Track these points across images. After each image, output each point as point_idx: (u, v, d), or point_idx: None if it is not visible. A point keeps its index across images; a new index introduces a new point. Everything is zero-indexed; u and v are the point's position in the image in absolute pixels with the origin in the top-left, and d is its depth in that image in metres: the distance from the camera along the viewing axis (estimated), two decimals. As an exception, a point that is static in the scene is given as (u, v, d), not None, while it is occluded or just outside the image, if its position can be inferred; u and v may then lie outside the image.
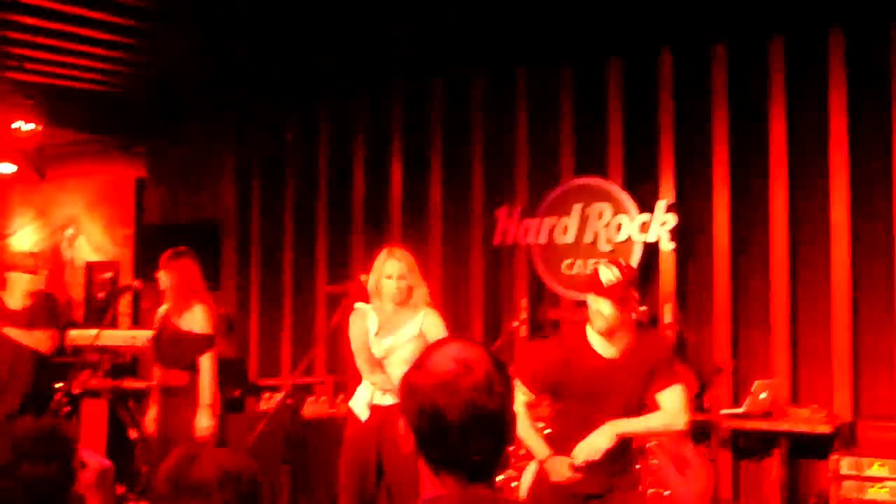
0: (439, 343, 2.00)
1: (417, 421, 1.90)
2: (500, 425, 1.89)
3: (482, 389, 1.86)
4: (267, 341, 10.29)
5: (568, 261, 8.52)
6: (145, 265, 10.98)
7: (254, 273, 10.52)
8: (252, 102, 10.35)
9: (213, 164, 10.80)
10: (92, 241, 13.05)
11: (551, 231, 8.60)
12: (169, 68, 9.21)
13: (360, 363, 5.30)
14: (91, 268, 13.21)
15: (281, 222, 10.36)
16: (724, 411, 7.25)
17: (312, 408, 7.09)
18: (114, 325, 9.33)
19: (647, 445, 5.14)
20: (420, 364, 1.94)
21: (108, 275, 13.10)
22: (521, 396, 4.13)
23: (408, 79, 9.51)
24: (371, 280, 5.26)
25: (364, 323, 5.26)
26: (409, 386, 1.92)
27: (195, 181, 10.87)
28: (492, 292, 9.04)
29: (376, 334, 5.25)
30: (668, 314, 7.98)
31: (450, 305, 9.21)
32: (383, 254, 5.34)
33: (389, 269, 5.24)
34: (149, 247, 11.14)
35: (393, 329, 5.27)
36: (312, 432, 6.88)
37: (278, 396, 7.03)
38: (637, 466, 4.57)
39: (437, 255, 9.34)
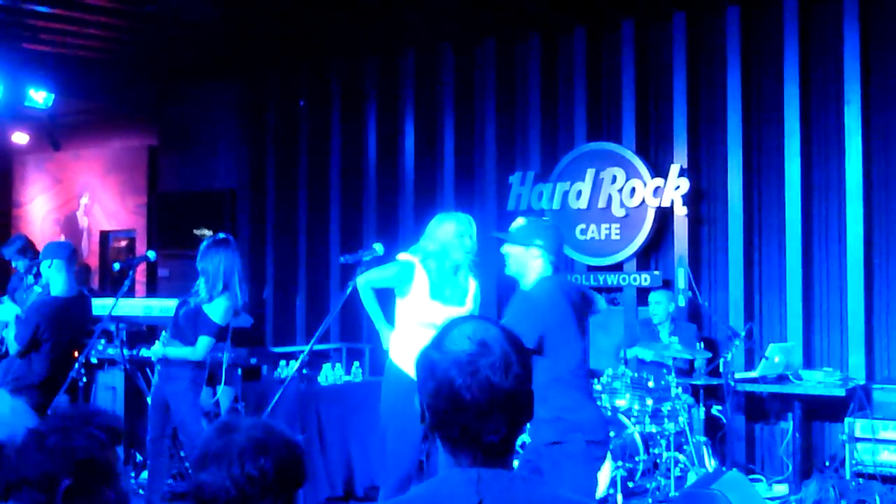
0: (456, 322, 1.98)
1: (434, 400, 1.89)
2: (517, 404, 1.88)
3: (499, 369, 1.86)
4: (281, 309, 10.34)
5: (581, 225, 8.52)
6: (161, 233, 11.08)
7: (268, 240, 10.55)
8: (264, 70, 10.33)
9: (227, 133, 10.79)
10: (107, 210, 13.10)
11: (565, 196, 8.60)
12: (181, 36, 9.19)
13: (413, 318, 5.21)
14: (106, 236, 13.29)
15: (295, 190, 10.36)
16: (739, 375, 7.26)
17: (328, 375, 7.12)
18: (130, 294, 9.38)
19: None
20: (437, 343, 1.93)
21: (124, 243, 13.18)
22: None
23: (419, 45, 9.47)
24: (437, 240, 5.23)
25: (411, 277, 5.22)
26: (427, 364, 1.92)
27: (208, 149, 10.87)
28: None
29: (430, 297, 5.24)
30: (681, 279, 7.99)
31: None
32: (455, 217, 5.35)
33: (470, 229, 5.30)
34: (164, 215, 11.20)
35: (455, 298, 5.29)
36: (328, 399, 6.93)
37: (294, 364, 7.08)
38: None
39: (450, 221, 9.33)
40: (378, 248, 5.30)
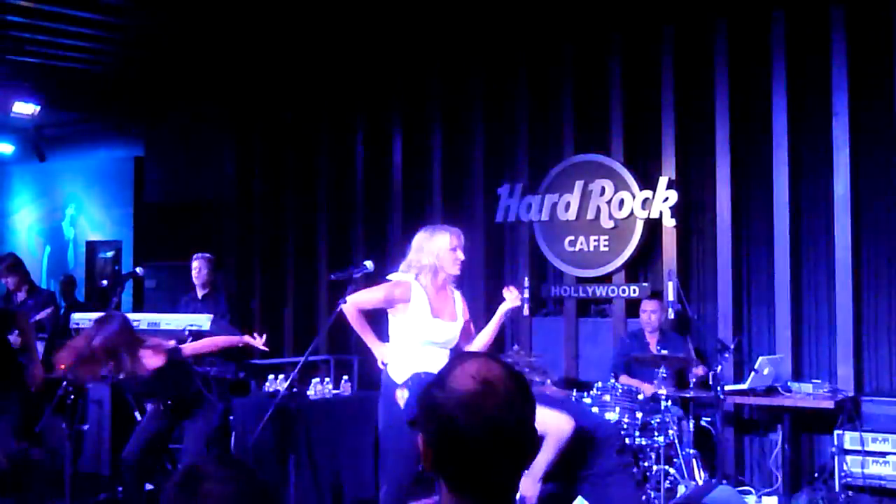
0: (460, 359, 1.94)
1: (436, 439, 1.85)
2: (520, 445, 1.85)
3: (504, 408, 1.82)
4: (269, 321, 10.30)
5: (570, 237, 8.52)
6: (147, 244, 11.03)
7: (256, 252, 10.52)
8: (253, 84, 10.31)
9: (213, 144, 10.76)
10: (92, 221, 13.05)
11: (553, 208, 8.59)
12: (167, 48, 9.16)
13: (414, 337, 5.19)
14: (92, 246, 13.23)
15: (283, 202, 10.34)
16: (728, 388, 7.26)
17: (317, 389, 7.09)
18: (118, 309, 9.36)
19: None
20: (441, 381, 1.88)
21: (110, 253, 13.12)
22: None
23: (409, 57, 9.46)
24: (427, 256, 5.19)
25: (408, 296, 5.18)
26: (430, 404, 1.87)
27: (195, 161, 10.83)
28: (494, 269, 9.05)
29: (430, 315, 5.20)
30: (670, 291, 7.98)
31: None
32: (446, 230, 5.31)
33: (460, 242, 5.27)
34: (150, 226, 11.16)
35: (449, 313, 5.27)
36: (317, 413, 6.90)
37: (282, 377, 7.06)
38: None
39: (438, 232, 9.33)
40: (368, 264, 5.29)
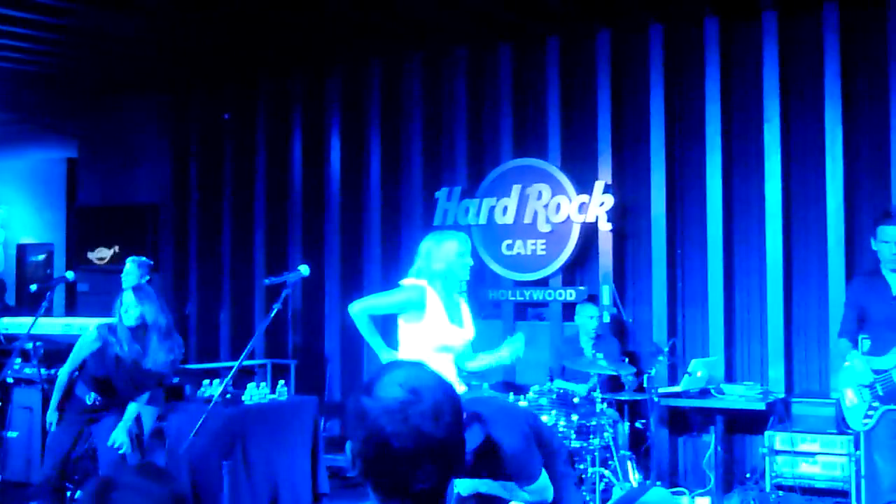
0: (389, 367, 1.95)
1: (363, 446, 1.85)
2: (447, 454, 1.85)
3: (430, 417, 1.82)
4: (206, 325, 10.20)
5: (508, 241, 8.56)
6: (80, 247, 10.85)
7: (191, 256, 10.40)
8: (189, 84, 10.20)
9: (149, 146, 10.63)
10: (23, 223, 12.80)
11: (491, 211, 8.63)
12: (103, 48, 9.02)
13: (429, 343, 5.09)
14: (23, 249, 12.98)
15: (219, 205, 10.24)
16: (662, 390, 7.35)
17: (253, 394, 7.02)
18: (48, 313, 9.19)
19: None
20: (368, 388, 1.88)
21: (42, 257, 12.89)
22: None
23: (346, 59, 9.43)
24: (437, 262, 5.13)
25: (423, 302, 5.09)
26: (357, 411, 1.87)
27: (130, 163, 10.69)
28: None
29: (448, 321, 5.12)
30: (606, 295, 8.06)
31: (390, 286, 9.18)
32: (454, 235, 5.27)
33: (469, 247, 5.24)
34: (83, 229, 10.98)
35: (464, 319, 5.24)
36: (253, 418, 6.83)
37: (218, 382, 6.98)
38: None
39: (376, 236, 9.32)
40: (304, 269, 5.24)
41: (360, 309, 5.18)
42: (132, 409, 5.99)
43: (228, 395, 6.22)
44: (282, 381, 7.40)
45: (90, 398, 5.94)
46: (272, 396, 7.19)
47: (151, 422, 7.07)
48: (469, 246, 5.25)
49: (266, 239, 9.96)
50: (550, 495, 4.46)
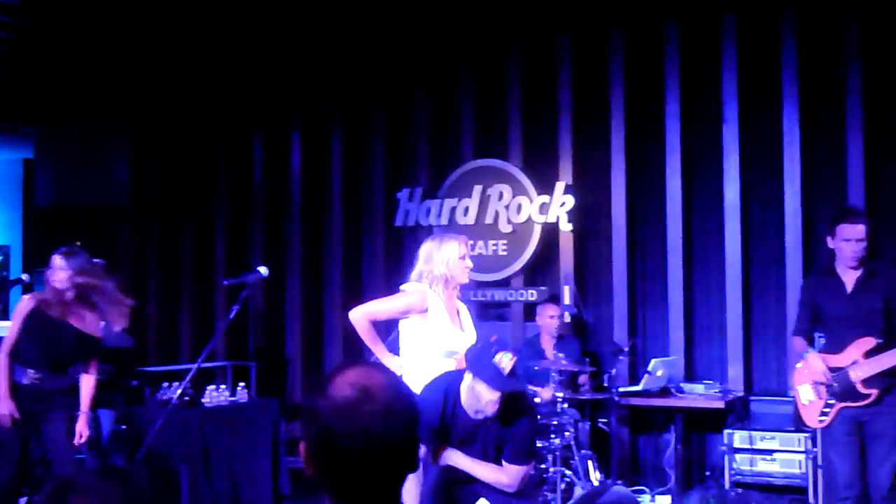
0: (341, 367, 1.93)
1: (315, 446, 1.84)
2: (398, 455, 1.84)
3: (380, 418, 1.81)
4: (165, 327, 10.12)
5: (469, 241, 8.54)
6: (37, 249, 10.71)
7: (151, 257, 10.31)
8: (148, 85, 10.10)
9: (107, 146, 10.52)
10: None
11: (452, 212, 8.64)
12: (60, 48, 8.92)
13: (433, 347, 5.09)
14: (-21, 251, 12.81)
15: (179, 205, 10.16)
16: (623, 389, 7.39)
17: (212, 396, 6.98)
18: (4, 316, 9.07)
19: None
20: (322, 388, 1.88)
21: (-2, 258, 12.73)
22: None
23: (308, 60, 9.39)
24: (438, 265, 5.11)
25: (427, 306, 5.08)
26: (309, 411, 1.87)
27: (87, 163, 10.57)
28: (393, 273, 9.02)
29: (451, 324, 5.13)
30: (567, 295, 8.09)
31: (351, 287, 9.20)
32: (454, 238, 5.25)
33: (468, 250, 5.24)
34: (40, 230, 10.84)
35: (463, 322, 5.23)
36: (212, 421, 6.79)
37: (177, 384, 6.92)
38: None
39: (338, 237, 9.30)
40: (263, 270, 5.22)
41: (361, 314, 5.14)
42: (85, 388, 5.86)
43: (187, 398, 6.18)
44: (242, 383, 7.36)
45: (27, 377, 5.77)
46: (232, 398, 7.15)
47: (110, 424, 7.02)
48: (468, 248, 5.26)
49: (227, 240, 9.90)
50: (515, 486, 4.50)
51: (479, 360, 4.35)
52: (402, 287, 5.21)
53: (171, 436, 6.05)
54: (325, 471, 1.84)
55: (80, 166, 10.57)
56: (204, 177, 10.05)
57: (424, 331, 5.08)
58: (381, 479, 1.83)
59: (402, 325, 5.21)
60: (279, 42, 8.96)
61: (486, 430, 4.44)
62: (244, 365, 8.92)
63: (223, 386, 7.20)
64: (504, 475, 4.46)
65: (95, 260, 6.13)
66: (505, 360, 4.27)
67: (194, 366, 4.95)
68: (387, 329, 5.54)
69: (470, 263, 5.25)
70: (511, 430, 4.42)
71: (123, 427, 6.92)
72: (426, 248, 5.23)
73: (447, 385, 4.49)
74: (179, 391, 5.16)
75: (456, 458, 4.47)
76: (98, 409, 7.15)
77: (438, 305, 5.10)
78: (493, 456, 4.47)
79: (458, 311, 5.28)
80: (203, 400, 6.87)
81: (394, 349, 5.23)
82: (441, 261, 5.11)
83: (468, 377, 4.33)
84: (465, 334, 5.15)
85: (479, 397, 4.30)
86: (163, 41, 8.77)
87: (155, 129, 10.33)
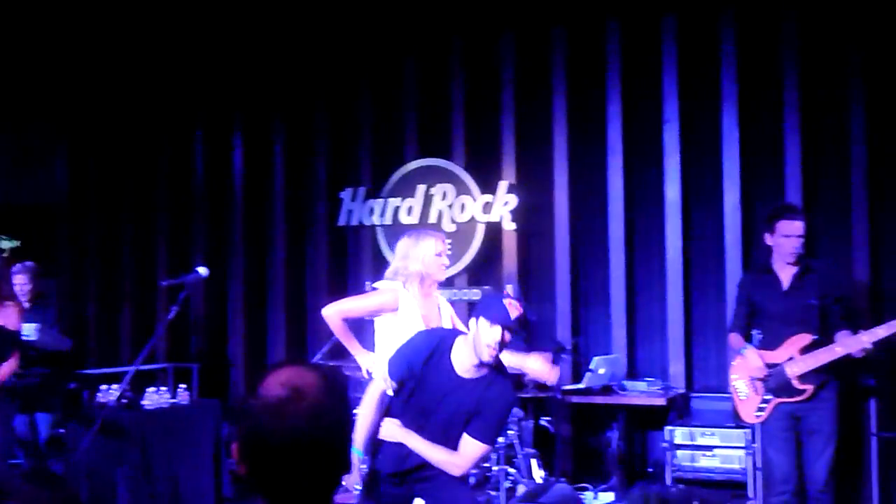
0: (277, 366, 1.92)
1: (246, 446, 1.82)
2: (328, 455, 1.83)
3: (309, 417, 1.80)
4: (105, 328, 9.98)
5: (446, 239, 8.52)
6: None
7: (90, 258, 10.16)
8: (86, 81, 9.95)
9: (44, 145, 10.33)
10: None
11: (396, 212, 8.63)
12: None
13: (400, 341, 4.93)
14: (-87, 253, 12.53)
15: (119, 205, 10.02)
16: (565, 388, 7.44)
17: (152, 398, 6.89)
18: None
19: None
20: (254, 388, 1.87)
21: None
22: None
23: (249, 60, 9.32)
24: (414, 263, 5.10)
25: (399, 304, 5.07)
26: (241, 410, 1.86)
27: (26, 163, 10.38)
28: (336, 273, 9.01)
29: (422, 322, 5.08)
30: (511, 293, 8.10)
31: (294, 287, 9.15)
32: (431, 235, 5.25)
33: (444, 247, 5.21)
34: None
35: (436, 320, 5.18)
36: (152, 423, 6.71)
37: (117, 387, 6.83)
38: None
39: (281, 236, 9.25)
40: (202, 270, 5.18)
41: (334, 311, 5.17)
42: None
43: (126, 400, 6.10)
44: (183, 385, 7.28)
45: None
46: (173, 400, 7.07)
47: (47, 428, 6.91)
48: (445, 246, 5.25)
49: (169, 241, 9.79)
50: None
51: (486, 302, 4.38)
52: (374, 285, 5.22)
53: (109, 439, 5.97)
54: (255, 471, 1.83)
55: (19, 166, 10.38)
56: (145, 177, 9.92)
57: (396, 329, 5.07)
58: (312, 479, 1.81)
59: (376, 322, 5.21)
60: (220, 42, 8.89)
61: (465, 392, 4.29)
62: (186, 367, 8.84)
63: (164, 388, 7.12)
64: (457, 457, 4.32)
65: (27, 264, 6.05)
66: (513, 305, 4.23)
67: (132, 368, 4.89)
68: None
69: (446, 261, 5.26)
70: (490, 402, 4.29)
71: (61, 431, 6.82)
72: (403, 245, 5.24)
73: (443, 336, 4.44)
74: (118, 394, 5.08)
75: (406, 437, 4.34)
76: (35, 413, 7.05)
77: (411, 304, 5.10)
78: (459, 427, 4.31)
79: (438, 307, 5.27)
80: (143, 402, 6.79)
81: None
82: (417, 258, 5.12)
83: (472, 323, 4.24)
84: None
85: (478, 341, 4.19)
86: (103, 41, 8.66)
87: (95, 129, 10.18)
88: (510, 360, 4.56)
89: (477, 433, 4.30)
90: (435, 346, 4.37)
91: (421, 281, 5.13)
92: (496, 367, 4.33)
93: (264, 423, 1.80)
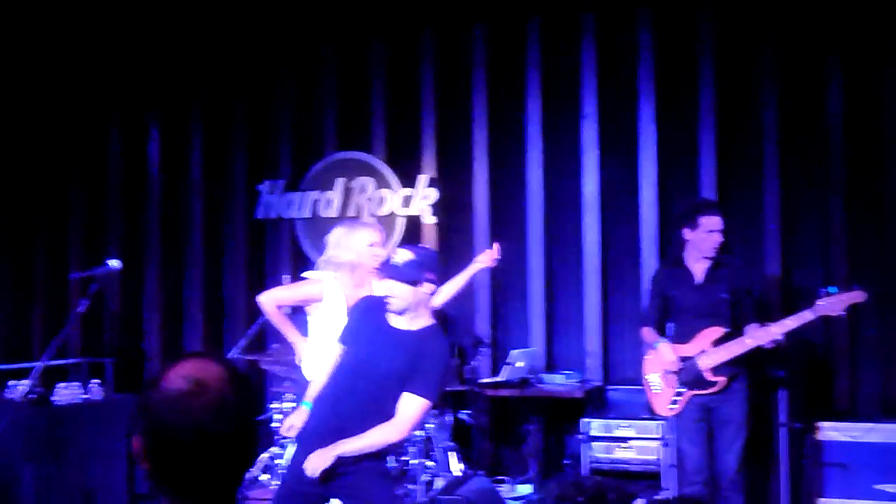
0: (180, 358, 1.88)
1: (147, 440, 1.78)
2: (232, 450, 1.79)
3: (213, 411, 1.76)
4: (15, 322, 9.73)
5: (382, 232, 8.48)
6: None
7: (1, 251, 9.90)
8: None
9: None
10: None
11: (315, 205, 8.57)
12: None
13: (328, 334, 5.00)
14: None
15: (30, 196, 9.78)
16: (483, 381, 7.47)
17: (63, 394, 6.74)
18: None
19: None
20: (156, 380, 1.83)
21: None
22: None
23: (167, 51, 9.17)
24: (345, 252, 5.09)
25: (326, 294, 5.08)
26: (143, 404, 1.81)
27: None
28: (254, 266, 8.93)
29: (346, 313, 4.99)
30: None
31: (212, 280, 9.05)
32: (365, 226, 5.27)
33: (379, 238, 5.20)
34: None
35: None
36: (64, 420, 6.56)
37: (26, 383, 6.67)
38: None
39: (198, 229, 9.12)
40: (113, 263, 5.10)
41: (269, 299, 5.22)
42: None
43: (34, 396, 5.96)
44: (97, 380, 7.14)
45: None
46: (85, 396, 6.93)
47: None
48: (380, 237, 5.23)
49: (82, 233, 9.58)
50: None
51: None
52: (304, 274, 5.22)
53: (17, 436, 5.83)
54: (157, 466, 1.79)
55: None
56: (58, 168, 9.69)
57: (322, 318, 5.11)
58: (214, 475, 1.78)
59: (307, 310, 5.25)
60: (137, 32, 8.73)
61: (402, 345, 4.25)
62: (100, 361, 8.67)
63: (76, 383, 6.97)
64: (395, 423, 4.20)
65: None
66: (398, 253, 4.31)
67: (41, 363, 4.78)
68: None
69: (379, 252, 5.22)
70: (428, 356, 4.25)
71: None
72: (335, 234, 5.27)
73: (381, 298, 4.42)
74: (26, 389, 4.96)
75: (333, 452, 4.17)
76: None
77: (338, 294, 5.09)
78: (397, 384, 4.23)
79: None
80: (53, 398, 6.63)
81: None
82: (348, 248, 5.13)
83: None
84: None
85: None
86: (17, 30, 8.44)
87: (6, 118, 9.91)
88: (457, 282, 4.58)
89: (418, 388, 4.22)
90: (370, 305, 4.43)
91: (352, 270, 5.13)
92: (434, 324, 4.34)
93: (165, 417, 1.76)
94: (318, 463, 4.16)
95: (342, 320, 4.89)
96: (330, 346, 4.79)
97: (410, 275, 4.21)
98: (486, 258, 5.85)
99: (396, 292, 4.22)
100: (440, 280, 4.55)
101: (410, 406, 4.21)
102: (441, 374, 4.30)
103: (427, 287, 4.28)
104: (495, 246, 5.74)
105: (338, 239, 5.21)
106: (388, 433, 4.22)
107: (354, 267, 5.14)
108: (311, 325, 5.24)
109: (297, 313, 5.58)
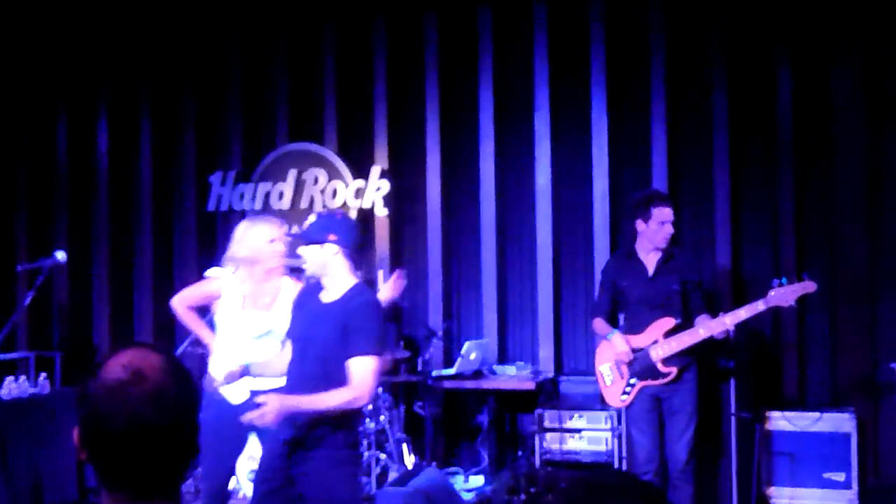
0: (119, 348, 1.83)
1: (85, 431, 1.75)
2: (172, 441, 1.76)
3: (150, 402, 1.73)
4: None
5: (284, 226, 8.43)
6: None
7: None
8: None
9: None
10: None
11: (267, 196, 8.52)
12: None
13: (227, 330, 5.07)
14: None
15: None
16: (437, 372, 7.47)
17: (10, 388, 6.64)
18: None
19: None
20: (95, 370, 1.79)
21: None
22: None
23: (116, 40, 9.04)
24: (245, 248, 5.03)
25: (225, 290, 5.05)
26: (80, 393, 1.77)
27: None
28: (205, 259, 8.81)
29: (243, 308, 5.04)
30: (381, 279, 8.10)
31: (162, 273, 8.95)
32: (267, 221, 5.23)
33: (280, 232, 5.13)
34: None
35: (266, 305, 5.07)
36: (10, 414, 6.47)
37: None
38: None
39: (148, 221, 9.01)
40: (60, 255, 5.03)
41: (177, 301, 5.24)
42: None
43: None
44: (44, 374, 7.05)
45: None
46: (33, 390, 6.83)
47: None
48: (281, 232, 5.17)
49: (29, 225, 9.43)
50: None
51: None
52: (206, 273, 5.19)
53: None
54: (93, 457, 1.76)
55: None
56: (4, 159, 9.52)
57: (223, 315, 5.12)
58: (152, 467, 1.75)
59: (213, 308, 5.24)
60: (86, 21, 8.60)
61: (331, 313, 4.25)
62: (49, 355, 8.56)
63: (23, 377, 6.87)
64: (351, 387, 4.14)
65: None
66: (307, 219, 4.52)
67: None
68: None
69: (281, 247, 5.17)
70: (356, 311, 4.22)
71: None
72: (238, 230, 5.24)
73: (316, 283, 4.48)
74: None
75: (289, 402, 4.14)
76: None
77: (234, 291, 5.06)
78: (338, 353, 4.18)
79: (276, 293, 5.19)
80: (0, 392, 6.53)
81: None
82: (248, 243, 5.08)
83: None
84: (261, 315, 5.07)
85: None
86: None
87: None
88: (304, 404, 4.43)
89: (358, 348, 4.17)
90: (303, 292, 4.52)
91: (252, 266, 5.09)
92: (357, 283, 4.38)
93: (103, 406, 1.72)
94: (274, 404, 4.09)
95: (234, 315, 5.00)
96: (232, 343, 4.96)
97: (313, 236, 4.33)
98: (388, 290, 5.81)
99: (305, 255, 4.34)
100: (358, 252, 4.51)
101: (358, 367, 4.16)
102: (376, 326, 4.24)
103: (333, 247, 4.30)
104: (395, 273, 5.76)
105: (239, 234, 5.19)
106: (343, 395, 4.15)
107: (254, 262, 5.08)
108: (217, 326, 5.22)
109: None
